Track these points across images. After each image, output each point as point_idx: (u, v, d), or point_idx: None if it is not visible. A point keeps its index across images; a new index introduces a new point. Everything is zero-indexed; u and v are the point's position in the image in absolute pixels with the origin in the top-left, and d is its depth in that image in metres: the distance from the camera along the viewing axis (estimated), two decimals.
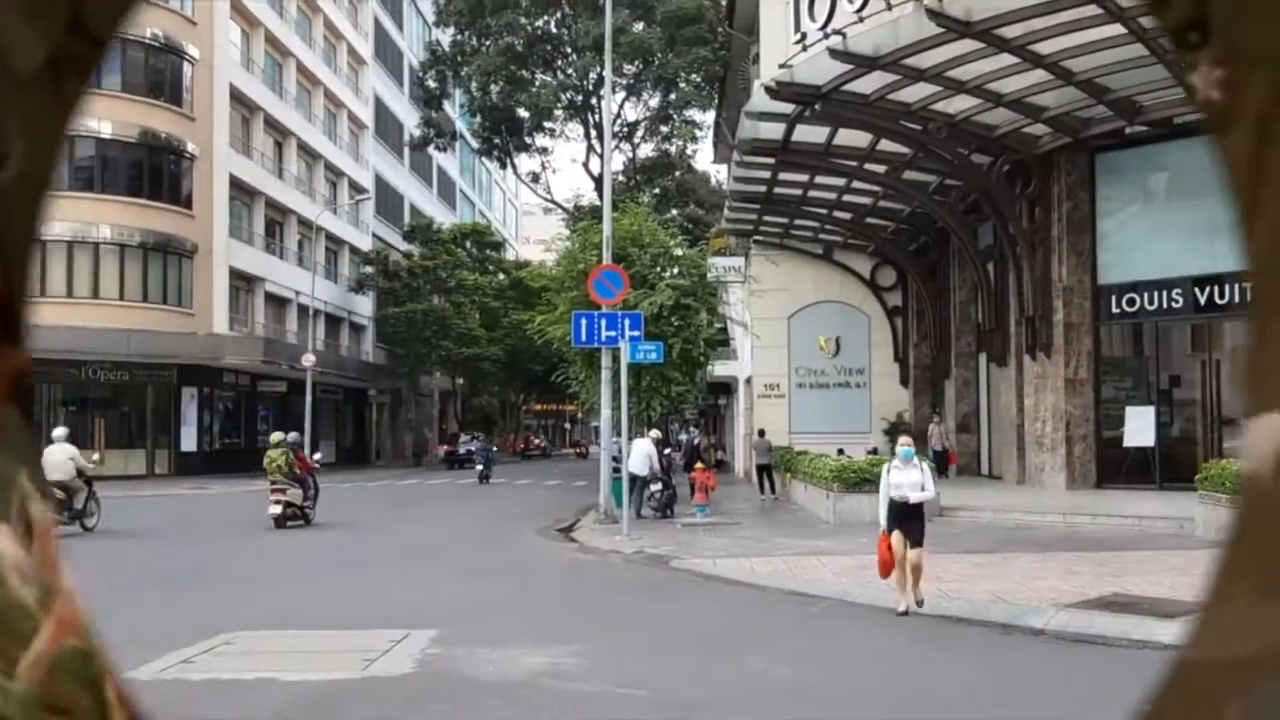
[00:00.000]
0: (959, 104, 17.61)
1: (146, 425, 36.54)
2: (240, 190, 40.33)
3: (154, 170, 35.48)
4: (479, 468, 33.64)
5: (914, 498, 9.12)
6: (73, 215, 33.67)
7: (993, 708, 6.33)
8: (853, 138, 19.15)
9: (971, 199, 20.74)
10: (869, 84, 16.80)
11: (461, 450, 45.22)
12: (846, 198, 23.13)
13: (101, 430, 35.31)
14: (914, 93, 17.19)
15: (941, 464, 22.39)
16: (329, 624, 8.96)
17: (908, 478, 9.22)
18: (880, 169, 20.49)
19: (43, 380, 33.98)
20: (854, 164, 20.44)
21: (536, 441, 72.79)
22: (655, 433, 20.74)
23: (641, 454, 18.83)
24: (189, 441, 37.04)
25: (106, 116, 33.91)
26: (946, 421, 25.00)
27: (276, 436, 19.11)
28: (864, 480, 16.12)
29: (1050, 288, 19.41)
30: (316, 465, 20.04)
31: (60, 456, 16.33)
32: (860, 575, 10.96)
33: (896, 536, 9.02)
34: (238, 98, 39.96)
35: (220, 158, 38.12)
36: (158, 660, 7.24)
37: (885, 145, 19.36)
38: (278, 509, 17.86)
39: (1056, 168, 19.27)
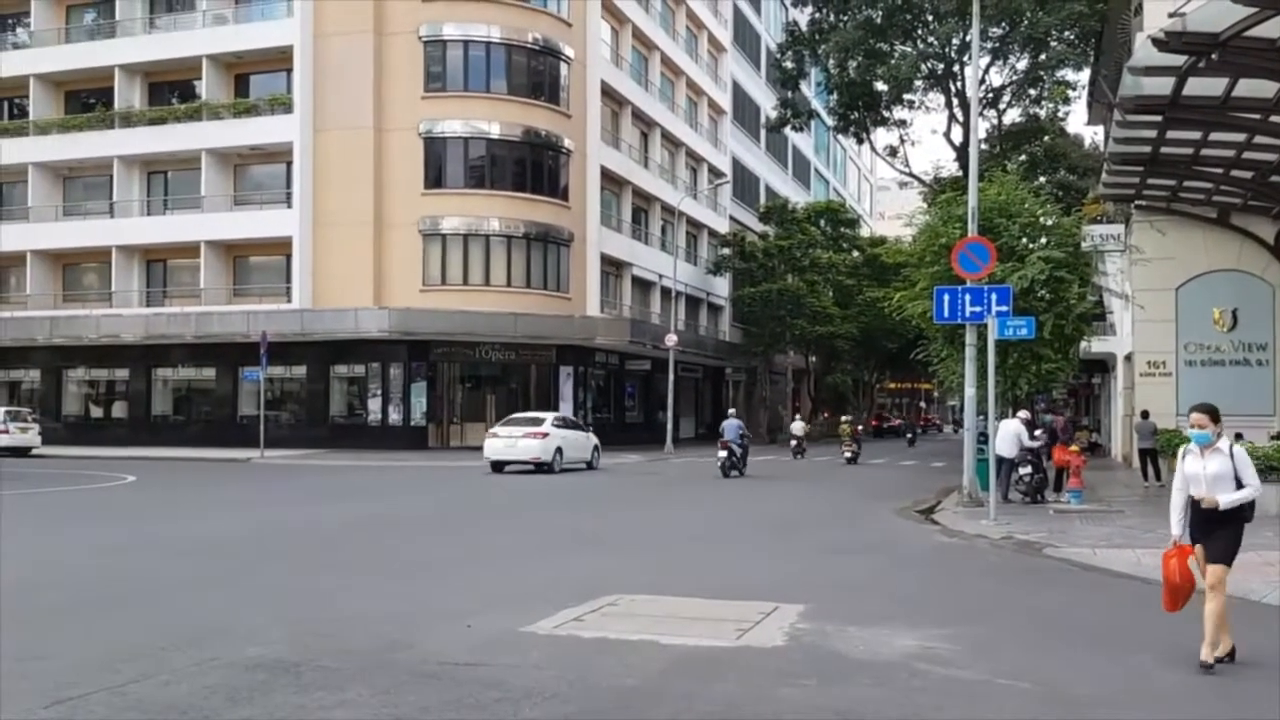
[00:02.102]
0: None
1: (530, 400, 39.75)
2: (610, 181, 42.75)
3: (535, 166, 38.42)
4: (908, 436, 51.68)
5: (1222, 499, 6.69)
6: (468, 211, 37.28)
7: None
8: (1256, 88, 17.09)
9: None
10: (1277, 27, 14.95)
11: (885, 426, 65.15)
12: (1247, 155, 20.73)
13: (493, 405, 38.86)
14: None
15: None
16: (698, 591, 9.37)
17: (1208, 468, 6.78)
18: None
19: (445, 360, 37.98)
20: (1257, 117, 18.27)
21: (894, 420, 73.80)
22: (1024, 413, 19.82)
23: (1009, 434, 18.09)
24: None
25: (495, 118, 37.15)
26: None
27: (846, 418, 36.88)
28: (1270, 468, 14.88)
29: None
30: (860, 432, 33.96)
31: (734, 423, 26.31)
32: (1266, 574, 9.95)
33: (1199, 553, 6.85)
34: (608, 93, 42.31)
35: (592, 151, 40.60)
36: (554, 616, 7.96)
37: None
38: (849, 454, 31.93)
39: None
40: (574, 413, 39.97)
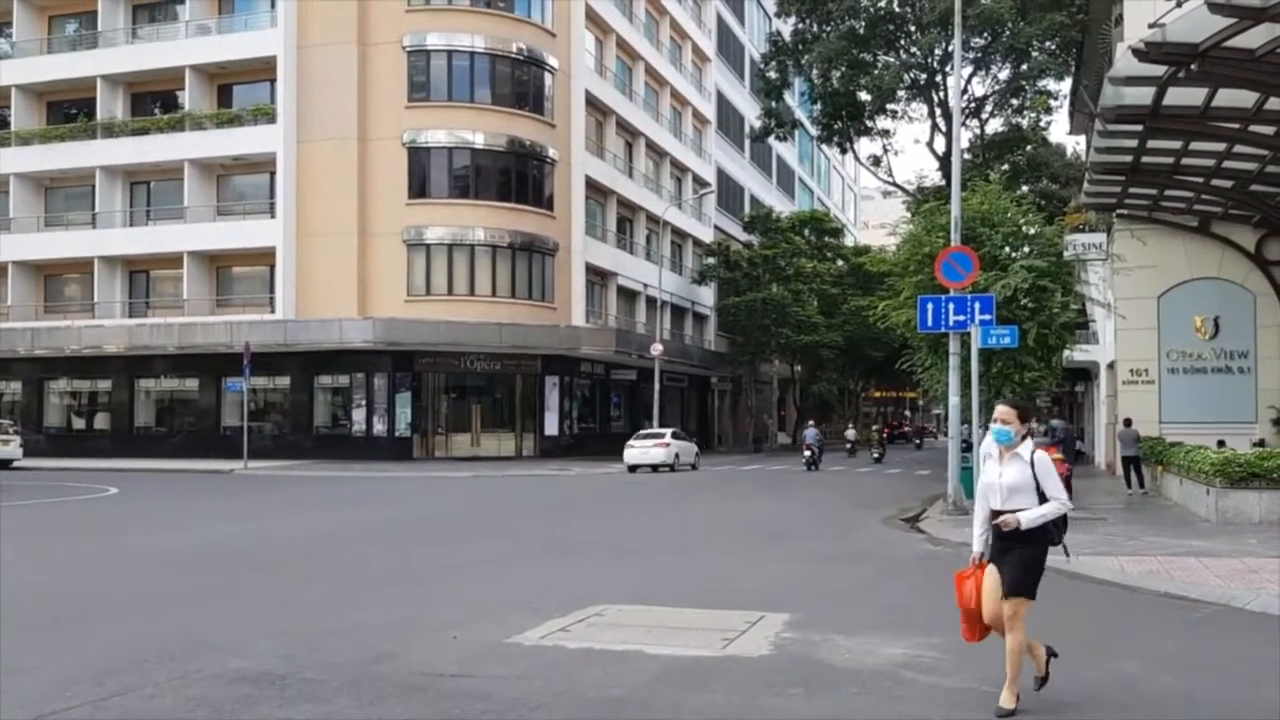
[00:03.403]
0: None
1: (515, 411, 39.71)
2: (595, 190, 42.79)
3: (520, 176, 38.42)
4: (916, 441, 63.69)
5: (1024, 518, 5.60)
6: (452, 220, 37.24)
7: None
8: (1235, 98, 17.26)
9: None
10: (1255, 37, 15.07)
11: (896, 433, 69.42)
12: (1227, 164, 20.94)
13: (478, 415, 38.77)
14: None
15: None
16: (683, 600, 9.37)
17: (1005, 476, 5.73)
18: (1269, 130, 18.38)
19: (429, 370, 37.89)
20: (1237, 127, 18.46)
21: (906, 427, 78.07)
22: None
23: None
24: (551, 426, 39.82)
25: (479, 128, 37.15)
26: None
27: (875, 426, 47.46)
28: (1252, 475, 15.00)
29: None
30: (884, 438, 43.85)
31: None
32: (1251, 580, 10.00)
33: (990, 574, 5.80)
34: (592, 103, 42.37)
35: (577, 161, 40.63)
36: (540, 627, 7.94)
37: (1275, 104, 17.30)
38: (876, 454, 39.90)
39: None
40: (560, 423, 40.17)
